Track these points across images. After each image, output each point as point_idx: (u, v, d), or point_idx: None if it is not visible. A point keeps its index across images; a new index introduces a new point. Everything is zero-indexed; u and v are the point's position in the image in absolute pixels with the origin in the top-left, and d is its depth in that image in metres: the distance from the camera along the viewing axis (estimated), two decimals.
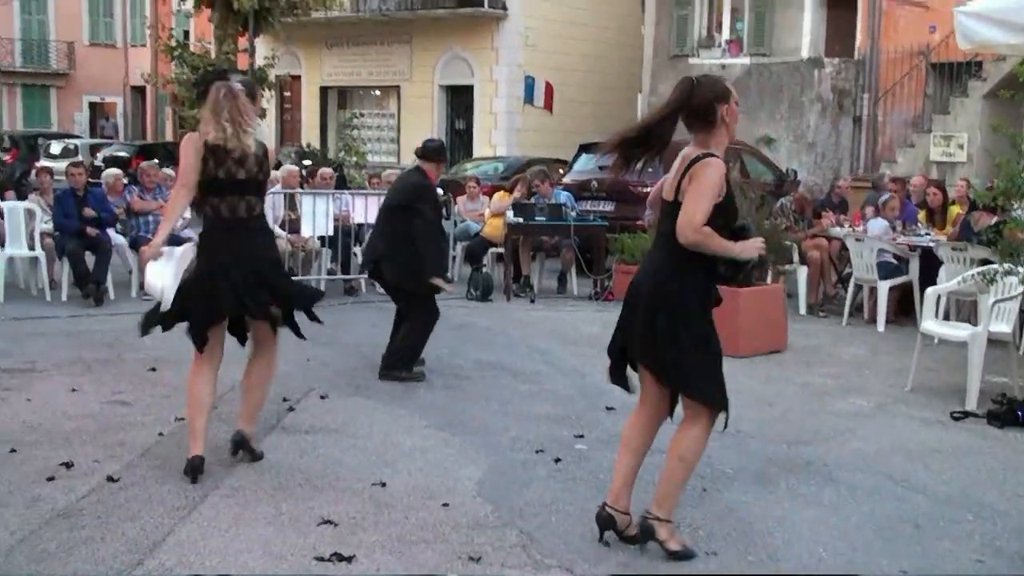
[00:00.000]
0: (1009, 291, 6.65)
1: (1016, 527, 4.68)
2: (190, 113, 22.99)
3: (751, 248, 4.03)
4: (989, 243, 7.27)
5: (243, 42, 23.09)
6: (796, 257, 10.62)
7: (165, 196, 11.28)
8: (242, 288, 5.02)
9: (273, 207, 11.22)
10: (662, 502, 4.21)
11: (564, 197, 12.27)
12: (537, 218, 11.44)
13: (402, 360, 7.43)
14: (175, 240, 10.91)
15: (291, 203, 11.34)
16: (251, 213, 5.11)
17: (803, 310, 10.51)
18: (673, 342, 4.07)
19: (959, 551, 4.38)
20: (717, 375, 4.19)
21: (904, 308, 9.92)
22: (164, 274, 5.11)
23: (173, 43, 24.10)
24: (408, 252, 7.29)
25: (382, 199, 11.23)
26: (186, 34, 31.81)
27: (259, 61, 23.61)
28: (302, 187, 12.82)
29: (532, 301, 11.27)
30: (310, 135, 28.25)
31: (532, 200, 11.88)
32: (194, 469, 4.87)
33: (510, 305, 11.02)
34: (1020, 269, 6.16)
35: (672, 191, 4.09)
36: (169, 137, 34.84)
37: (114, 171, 12.08)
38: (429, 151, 7.66)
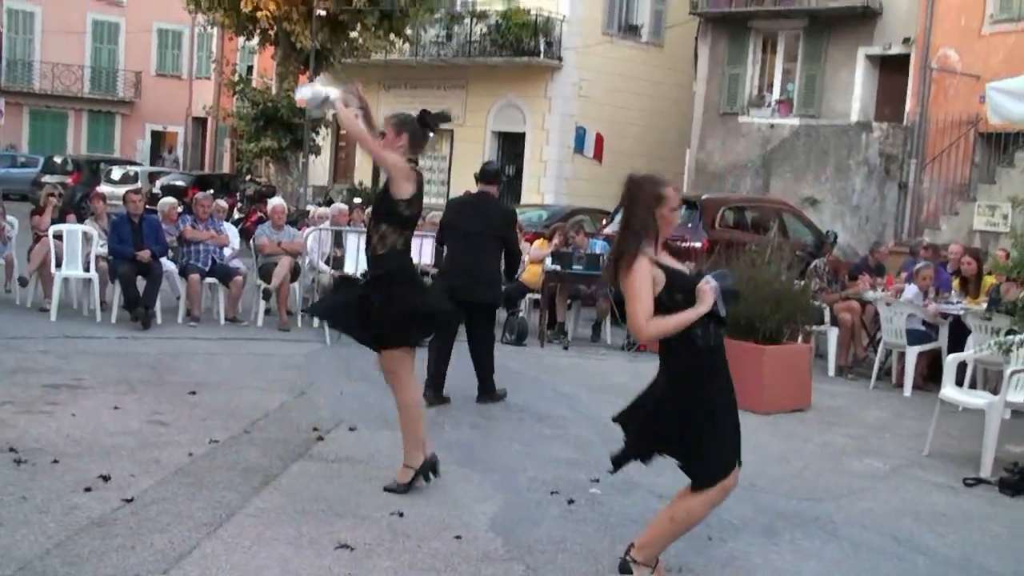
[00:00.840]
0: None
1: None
2: (248, 146, 23.72)
3: (705, 298, 4.20)
4: (1008, 312, 7.38)
5: (304, 80, 23.73)
6: (828, 318, 10.74)
7: (217, 227, 11.70)
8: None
9: (320, 242, 11.59)
10: (643, 548, 4.40)
11: (600, 247, 12.49)
12: (575, 267, 11.67)
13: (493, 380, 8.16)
14: (222, 270, 11.32)
15: (337, 240, 11.68)
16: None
17: (832, 372, 10.61)
18: (676, 432, 4.35)
19: None
20: (721, 450, 4.32)
21: (933, 375, 9.98)
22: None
23: (236, 78, 24.83)
24: (487, 269, 8.19)
25: (424, 241, 11.61)
26: (249, 69, 32.74)
27: None
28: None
29: (565, 348, 11.48)
30: (363, 173, 28.81)
31: (569, 249, 12.13)
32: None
33: (543, 351, 11.23)
34: None
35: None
36: (226, 168, 35.70)
37: (170, 200, 12.51)
38: (489, 174, 8.54)
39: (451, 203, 9.37)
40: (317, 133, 23.77)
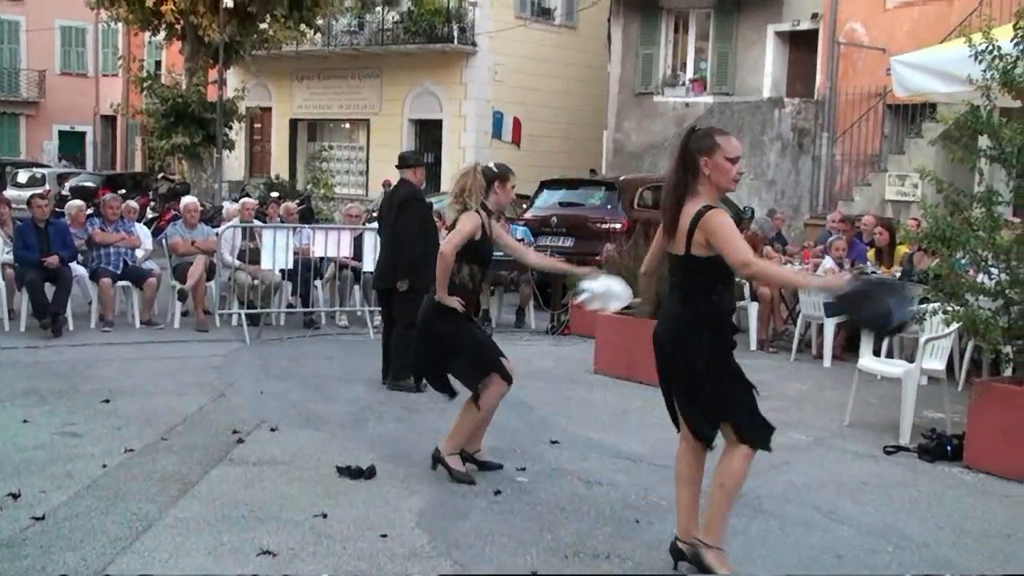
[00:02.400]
0: (936, 330, 6.88)
1: (933, 558, 4.86)
2: (159, 144, 23.20)
3: (835, 281, 4.42)
4: (921, 281, 7.50)
5: (213, 74, 23.30)
6: (748, 293, 10.84)
7: (127, 228, 11.41)
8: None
9: (233, 239, 11.34)
10: (708, 528, 4.39)
11: (521, 232, 12.47)
12: (496, 254, 11.56)
13: (404, 367, 7.99)
14: (135, 272, 11.04)
15: (251, 234, 11.46)
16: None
17: (753, 346, 10.73)
18: (698, 389, 4.33)
19: None
20: (748, 406, 4.38)
21: (852, 345, 10.13)
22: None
23: (144, 74, 24.25)
24: (399, 257, 8.23)
25: (342, 234, 11.46)
26: (158, 65, 32.03)
27: (229, 93, 23.81)
28: (262, 219, 12.97)
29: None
30: (279, 166, 28.42)
31: None
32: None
33: None
34: (950, 308, 6.37)
35: (683, 245, 4.27)
36: (138, 167, 34.92)
37: (77, 203, 12.16)
38: (402, 160, 8.71)
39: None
40: (230, 128, 23.33)
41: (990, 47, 6.13)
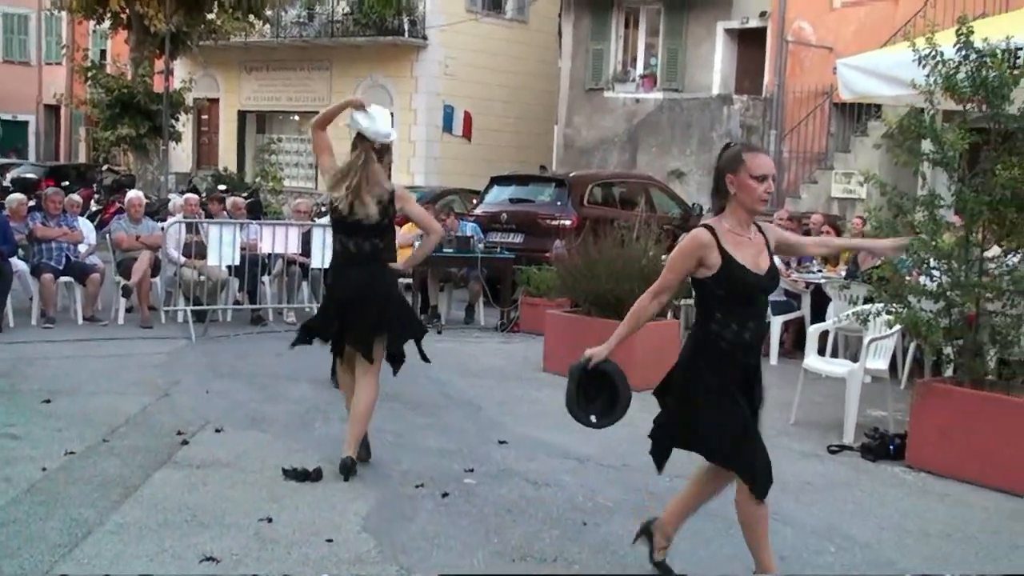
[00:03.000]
0: (879, 331, 6.97)
1: (874, 559, 4.93)
2: (104, 135, 22.80)
3: None
4: (866, 281, 7.60)
5: (160, 64, 22.93)
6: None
7: (70, 223, 11.20)
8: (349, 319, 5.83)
9: (179, 234, 11.18)
10: (757, 563, 4.33)
11: (471, 229, 12.45)
12: (445, 250, 11.58)
13: None
14: (78, 267, 10.86)
15: (197, 228, 11.31)
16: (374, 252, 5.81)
17: None
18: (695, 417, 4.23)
19: None
20: (734, 445, 4.20)
21: (800, 342, 10.25)
22: None
23: (88, 64, 23.80)
24: None
25: (290, 230, 11.36)
26: (102, 54, 31.48)
27: (176, 84, 23.48)
28: (207, 214, 12.80)
29: (439, 332, 11.39)
30: (227, 159, 28.09)
31: None
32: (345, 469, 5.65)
33: None
34: (894, 309, 6.45)
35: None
36: (82, 158, 34.32)
37: (17, 196, 11.92)
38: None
39: None
40: (177, 119, 23.00)
41: (933, 52, 6.20)
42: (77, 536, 4.67)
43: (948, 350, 6.58)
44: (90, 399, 7.39)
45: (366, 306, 5.78)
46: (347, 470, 5.68)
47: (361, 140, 5.80)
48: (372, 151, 5.80)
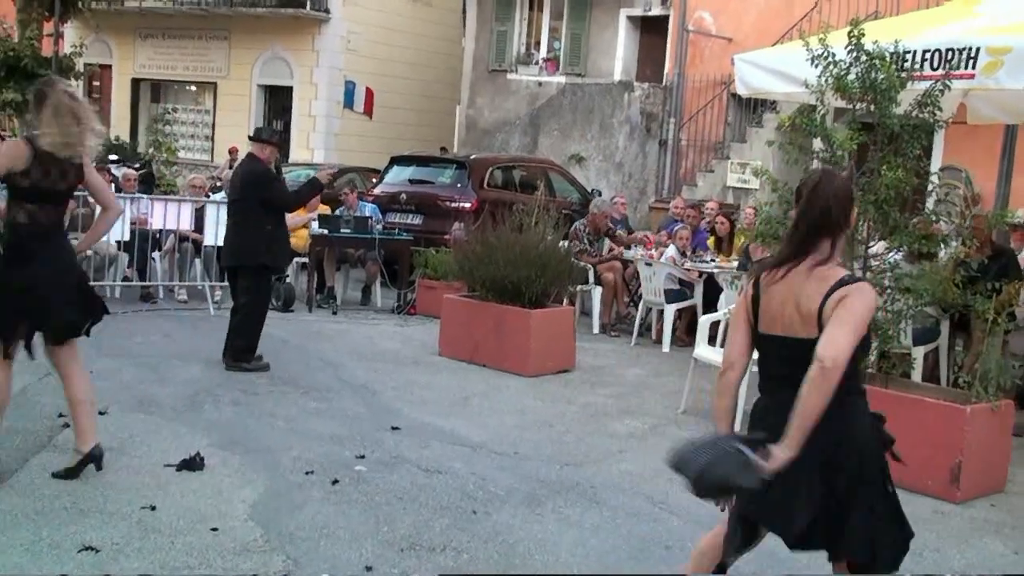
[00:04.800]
0: None
1: (759, 548, 5.04)
2: None
3: None
4: None
5: (49, 27, 22.09)
6: (592, 278, 11.02)
7: None
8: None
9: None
10: None
11: (370, 210, 12.34)
12: (343, 230, 11.46)
13: (247, 350, 8.02)
14: None
15: (84, 200, 10.94)
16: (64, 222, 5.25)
17: (596, 329, 10.92)
18: None
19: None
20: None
21: (694, 329, 10.44)
22: None
23: None
24: (245, 234, 8.15)
25: (183, 206, 11.10)
26: None
27: (66, 48, 22.65)
28: None
29: (335, 313, 11.28)
30: (120, 128, 27.22)
31: (337, 211, 11.92)
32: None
33: (311, 317, 11.00)
34: None
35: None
36: None
37: None
38: (256, 131, 8.79)
39: None
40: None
41: (825, 53, 6.35)
42: None
43: None
44: None
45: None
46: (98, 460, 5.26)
47: None
48: None
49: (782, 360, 3.42)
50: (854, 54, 6.30)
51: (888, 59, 6.32)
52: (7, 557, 4.22)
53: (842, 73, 6.32)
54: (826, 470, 3.32)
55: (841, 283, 3.27)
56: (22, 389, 6.93)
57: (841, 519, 3.35)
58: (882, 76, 6.24)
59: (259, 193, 8.18)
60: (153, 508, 4.89)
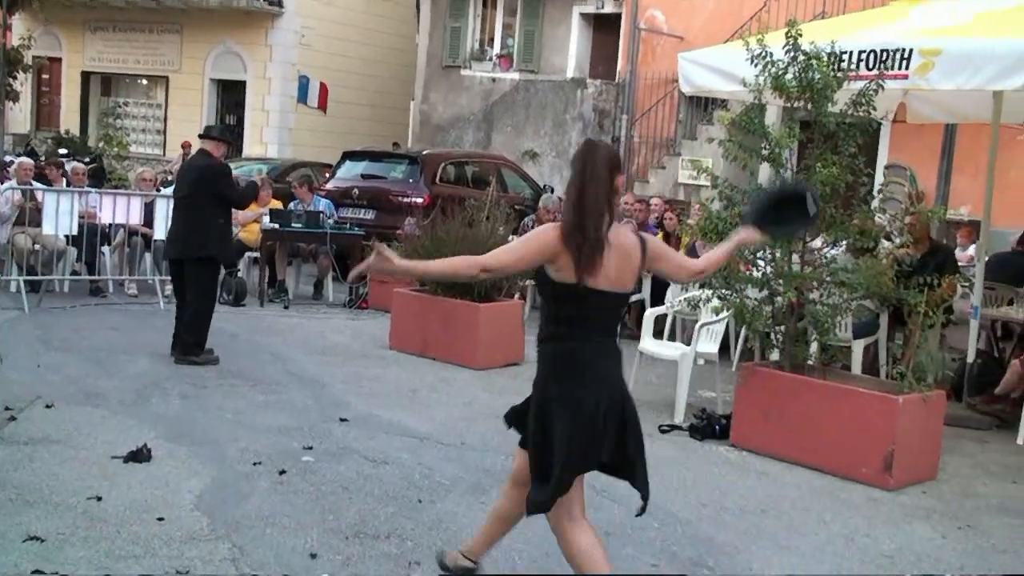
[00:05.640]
0: (711, 316, 7.29)
1: (694, 534, 5.20)
2: None
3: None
4: None
5: None
6: None
7: None
8: None
9: (12, 198, 10.74)
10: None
11: (324, 204, 12.37)
12: (294, 225, 11.49)
13: (196, 343, 8.08)
14: None
15: (32, 194, 10.89)
16: None
17: None
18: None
19: (639, 556, 4.84)
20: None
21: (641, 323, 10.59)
22: None
23: None
24: (196, 227, 8.23)
25: (132, 200, 11.06)
26: None
27: (14, 40, 22.39)
28: (44, 179, 12.35)
29: (286, 307, 11.31)
30: (69, 121, 26.94)
31: (290, 206, 11.94)
32: None
33: (263, 311, 11.02)
34: (723, 295, 6.75)
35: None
36: None
37: None
38: (207, 129, 8.94)
39: (179, 170, 10.20)
40: (15, 78, 21.94)
41: (763, 52, 6.51)
42: None
43: (773, 336, 6.94)
44: None
45: None
46: None
47: None
48: None
49: (607, 310, 3.82)
50: (791, 54, 6.47)
51: (825, 59, 6.49)
52: None
53: (780, 72, 6.48)
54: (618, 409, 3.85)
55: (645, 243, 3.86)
56: None
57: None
58: (818, 76, 6.41)
59: (214, 188, 8.28)
60: (99, 499, 4.93)
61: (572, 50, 20.63)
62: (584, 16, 20.62)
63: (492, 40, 21.78)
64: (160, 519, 4.75)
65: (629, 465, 3.97)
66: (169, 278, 10.88)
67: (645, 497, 4.01)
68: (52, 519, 4.64)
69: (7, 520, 4.58)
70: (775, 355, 7.07)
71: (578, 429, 3.72)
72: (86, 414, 6.46)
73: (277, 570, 4.33)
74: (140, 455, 5.60)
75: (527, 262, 3.78)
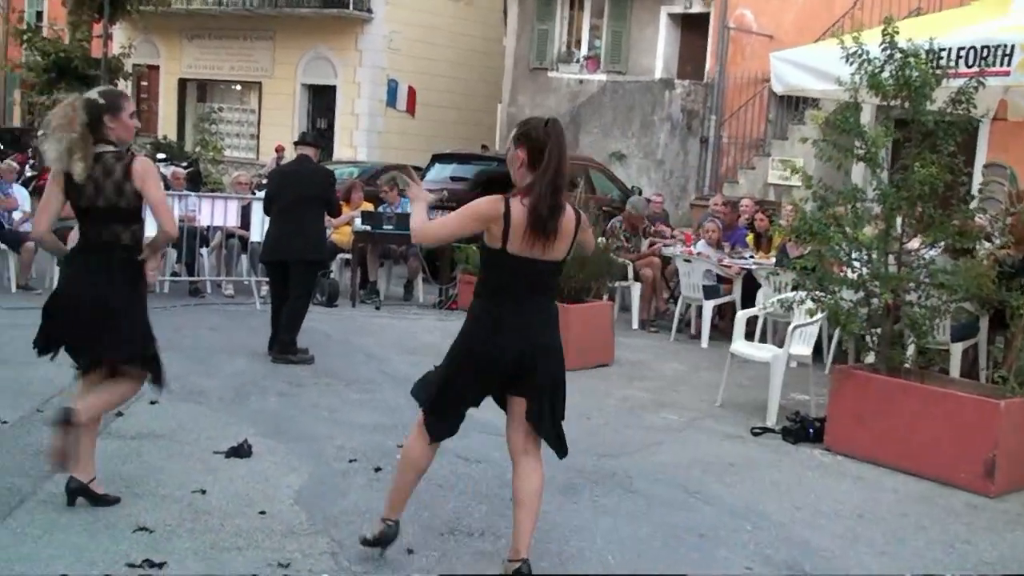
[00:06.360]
0: (804, 317, 7.21)
1: (787, 537, 5.15)
2: (39, 99, 22.40)
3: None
4: (795, 269, 7.84)
5: (98, 29, 22.57)
6: (631, 274, 11.12)
7: (5, 190, 11.10)
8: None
9: None
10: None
11: None
12: (385, 227, 11.66)
13: (293, 343, 8.32)
14: (12, 235, 10.76)
15: None
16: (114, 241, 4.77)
17: (635, 325, 11.02)
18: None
19: (733, 559, 4.81)
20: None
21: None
22: None
23: (24, 26, 23.32)
24: (302, 229, 8.46)
25: (229, 203, 11.34)
26: (39, 16, 30.83)
27: (115, 49, 23.12)
28: None
29: (377, 308, 11.48)
30: (167, 127, 27.73)
31: (380, 208, 12.12)
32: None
33: (355, 312, 11.21)
34: (816, 297, 6.68)
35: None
36: (16, 122, 33.59)
37: None
38: (303, 136, 9.36)
39: (273, 174, 10.36)
40: (116, 85, 22.65)
41: (859, 51, 6.42)
42: (10, 505, 4.72)
43: (868, 338, 6.83)
44: (24, 369, 7.35)
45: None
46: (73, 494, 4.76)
47: None
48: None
49: (536, 276, 4.14)
50: (888, 52, 6.37)
51: (922, 56, 6.38)
52: (67, 536, 4.43)
53: (876, 71, 6.38)
54: None
55: (580, 218, 4.18)
56: (70, 385, 7.18)
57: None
58: (916, 74, 6.30)
59: (324, 194, 8.69)
60: (203, 492, 5.08)
61: (660, 50, 20.54)
62: (672, 16, 20.52)
63: (579, 42, 21.80)
64: (261, 513, 4.88)
65: (535, 412, 4.30)
66: (264, 279, 11.19)
67: (557, 449, 4.46)
68: (159, 511, 4.80)
69: (117, 511, 4.75)
70: (870, 358, 6.96)
71: (475, 361, 4.23)
72: (189, 410, 6.66)
73: (374, 565, 4.41)
74: (241, 451, 5.75)
75: (466, 229, 4.16)
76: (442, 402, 4.36)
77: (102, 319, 4.71)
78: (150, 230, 5.06)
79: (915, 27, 7.12)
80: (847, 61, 6.49)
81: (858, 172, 6.71)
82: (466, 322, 4.32)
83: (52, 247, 5.16)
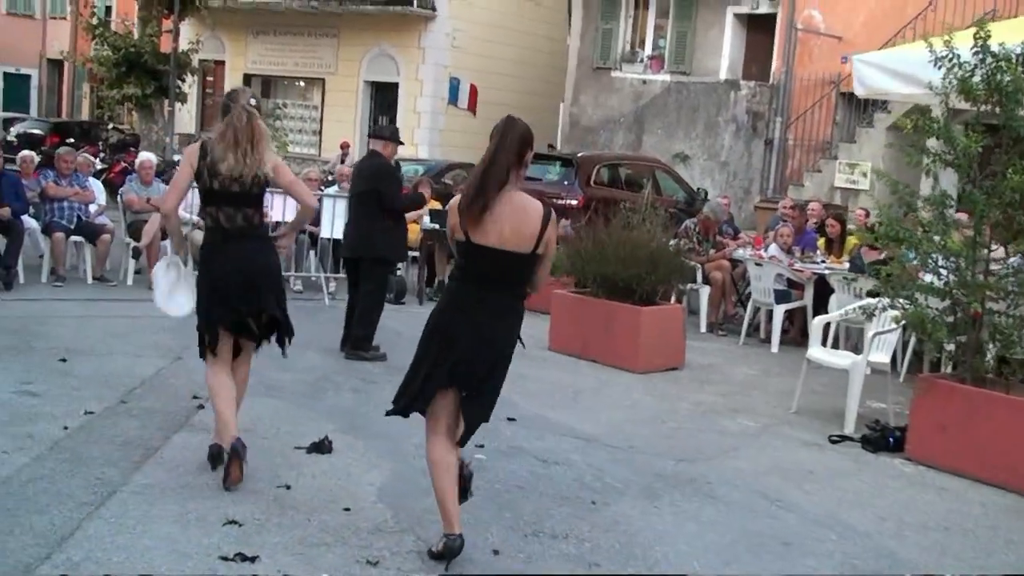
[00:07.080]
0: (886, 324, 7.10)
1: (875, 547, 5.08)
2: (109, 93, 22.79)
3: None
4: (873, 275, 7.73)
5: (168, 24, 22.89)
6: (700, 277, 11.04)
7: (81, 182, 11.28)
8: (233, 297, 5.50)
9: (191, 197, 11.23)
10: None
11: None
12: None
13: (366, 339, 8.37)
14: (88, 227, 10.94)
15: None
16: (248, 223, 5.32)
17: (704, 328, 10.94)
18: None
19: (820, 568, 4.76)
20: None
21: (801, 328, 10.41)
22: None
23: (94, 20, 23.71)
24: (370, 226, 8.39)
25: (288, 198, 11.42)
26: (108, 10, 31.32)
27: (183, 45, 23.44)
28: None
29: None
30: None
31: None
32: (212, 458, 5.26)
33: (422, 309, 11.23)
34: (899, 303, 6.58)
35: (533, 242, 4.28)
36: (85, 115, 34.23)
37: (26, 154, 11.96)
38: (378, 129, 9.37)
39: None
40: (183, 80, 22.99)
41: (949, 54, 6.31)
42: (102, 495, 4.80)
43: (950, 347, 6.72)
44: (105, 360, 7.51)
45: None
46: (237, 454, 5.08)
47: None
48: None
49: (492, 265, 4.28)
50: (979, 56, 6.25)
51: (1015, 61, 6.25)
52: (159, 527, 4.49)
53: (967, 75, 6.27)
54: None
55: (549, 215, 4.32)
56: (157, 372, 7.32)
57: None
58: (1008, 78, 6.17)
59: (376, 184, 8.43)
60: (288, 487, 5.13)
61: (725, 51, 20.39)
62: (738, 16, 20.35)
63: (643, 42, 21.70)
64: (346, 509, 4.91)
65: (475, 398, 4.51)
66: (333, 275, 11.29)
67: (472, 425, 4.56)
68: (247, 505, 4.85)
69: (206, 503, 4.81)
70: (949, 367, 6.85)
71: (434, 343, 4.47)
72: (267, 405, 6.71)
73: (461, 566, 4.42)
74: (322, 447, 5.79)
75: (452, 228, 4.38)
76: (413, 380, 4.66)
77: (267, 283, 5.66)
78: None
79: (1006, 30, 6.97)
80: (935, 65, 6.38)
81: (944, 178, 6.57)
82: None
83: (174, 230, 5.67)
